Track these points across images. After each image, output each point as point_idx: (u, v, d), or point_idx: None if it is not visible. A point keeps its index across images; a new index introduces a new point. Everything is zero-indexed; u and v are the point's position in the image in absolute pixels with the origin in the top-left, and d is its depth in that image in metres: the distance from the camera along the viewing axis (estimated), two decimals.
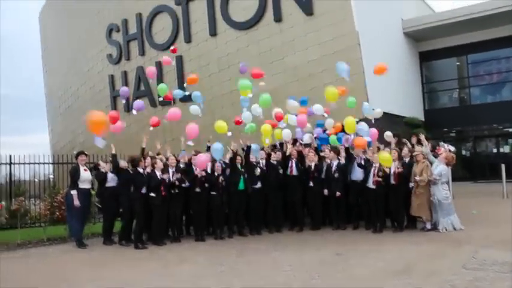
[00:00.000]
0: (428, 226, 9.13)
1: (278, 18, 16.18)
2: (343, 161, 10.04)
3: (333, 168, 9.92)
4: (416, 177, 9.00)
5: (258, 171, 9.76)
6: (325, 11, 15.17)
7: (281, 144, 10.92)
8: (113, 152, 9.28)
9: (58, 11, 25.88)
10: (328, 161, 10.08)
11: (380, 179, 9.19)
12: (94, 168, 9.62)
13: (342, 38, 14.66)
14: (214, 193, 9.29)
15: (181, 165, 9.37)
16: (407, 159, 9.54)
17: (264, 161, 10.05)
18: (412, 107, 20.35)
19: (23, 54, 72.67)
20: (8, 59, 70.39)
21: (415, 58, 22.13)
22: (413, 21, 20.87)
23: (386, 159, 8.83)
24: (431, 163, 9.24)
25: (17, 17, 73.06)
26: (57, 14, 26.00)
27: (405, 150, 9.74)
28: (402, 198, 9.26)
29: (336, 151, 10.11)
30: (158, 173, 8.92)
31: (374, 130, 9.70)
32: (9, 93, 69.70)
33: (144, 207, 8.82)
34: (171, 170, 9.08)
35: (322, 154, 10.32)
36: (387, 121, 16.96)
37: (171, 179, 8.98)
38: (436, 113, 22.22)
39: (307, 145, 10.65)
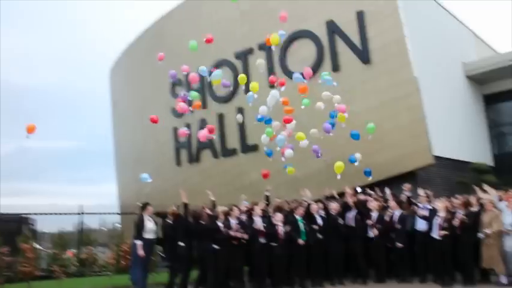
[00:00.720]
0: (504, 280, 8.55)
1: (336, 67, 16.35)
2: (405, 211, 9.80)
3: (395, 219, 9.66)
4: (486, 230, 8.55)
5: (318, 222, 9.69)
6: (382, 58, 15.18)
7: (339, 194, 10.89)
8: (184, 200, 9.32)
9: (127, 68, 27.57)
10: (391, 211, 9.84)
11: (446, 232, 8.81)
12: (162, 217, 9.74)
13: (400, 85, 14.52)
14: (275, 244, 9.26)
15: (243, 217, 9.47)
16: (475, 208, 9.12)
17: (323, 212, 9.98)
18: (479, 152, 19.48)
19: (95, 109, 78.06)
20: (82, 114, 75.73)
21: (479, 101, 21.39)
22: (475, 64, 20.34)
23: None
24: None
25: (92, 75, 79.44)
26: (126, 71, 27.67)
27: (473, 199, 9.35)
28: (471, 249, 8.79)
29: (398, 201, 9.90)
30: (221, 225, 9.04)
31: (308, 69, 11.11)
32: (83, 146, 74.99)
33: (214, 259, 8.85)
34: (233, 221, 9.18)
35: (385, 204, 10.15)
36: (453, 168, 16.38)
37: (234, 231, 9.01)
38: (506, 157, 21.06)
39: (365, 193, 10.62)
